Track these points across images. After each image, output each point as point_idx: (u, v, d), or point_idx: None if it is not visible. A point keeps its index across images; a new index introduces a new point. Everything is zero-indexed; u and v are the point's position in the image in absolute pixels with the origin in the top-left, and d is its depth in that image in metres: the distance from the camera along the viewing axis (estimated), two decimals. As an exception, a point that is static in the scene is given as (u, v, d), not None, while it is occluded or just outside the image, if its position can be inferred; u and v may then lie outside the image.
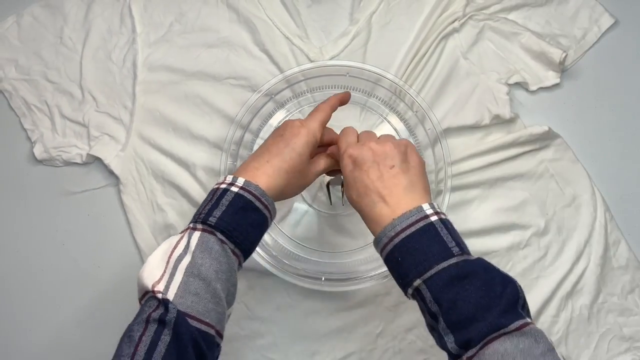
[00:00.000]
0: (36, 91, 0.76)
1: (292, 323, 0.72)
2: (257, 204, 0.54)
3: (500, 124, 0.76)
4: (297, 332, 0.72)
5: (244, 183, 0.54)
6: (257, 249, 0.64)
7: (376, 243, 0.52)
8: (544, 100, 0.78)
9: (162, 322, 0.46)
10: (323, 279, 0.67)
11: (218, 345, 0.50)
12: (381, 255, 0.52)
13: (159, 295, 0.47)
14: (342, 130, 0.60)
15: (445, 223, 0.50)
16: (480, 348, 0.43)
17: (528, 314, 0.47)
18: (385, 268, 0.54)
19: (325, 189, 0.71)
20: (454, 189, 0.71)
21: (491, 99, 0.76)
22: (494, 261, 0.70)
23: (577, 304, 0.72)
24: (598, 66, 0.79)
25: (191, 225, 0.53)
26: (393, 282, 0.52)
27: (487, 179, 0.74)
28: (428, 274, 0.48)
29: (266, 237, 0.70)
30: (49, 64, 0.77)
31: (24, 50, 0.77)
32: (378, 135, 0.58)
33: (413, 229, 0.49)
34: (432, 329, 0.49)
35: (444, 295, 0.46)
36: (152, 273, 0.49)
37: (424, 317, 0.50)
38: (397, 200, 0.51)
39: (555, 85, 0.78)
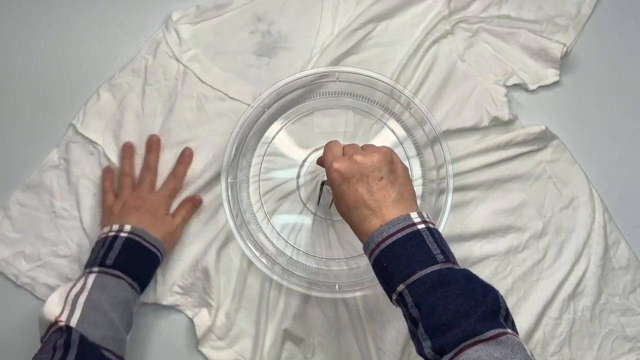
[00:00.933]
0: (54, 272, 0.73)
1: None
2: (146, 244, 0.64)
3: (499, 125, 0.76)
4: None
5: (131, 229, 0.64)
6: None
7: (365, 249, 0.53)
8: (543, 101, 0.78)
9: (67, 344, 0.52)
10: (337, 287, 0.67)
11: None
12: (370, 261, 0.53)
13: (62, 324, 0.53)
14: (327, 144, 0.59)
15: (432, 231, 0.51)
16: (455, 355, 0.43)
17: (512, 326, 0.47)
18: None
19: (319, 188, 0.71)
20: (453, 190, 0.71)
21: (489, 100, 0.76)
22: (493, 265, 0.73)
23: (579, 305, 0.72)
24: (597, 63, 0.79)
25: (87, 270, 0.61)
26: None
27: (484, 180, 0.74)
28: (411, 280, 0.48)
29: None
30: (54, 241, 0.74)
31: (25, 240, 0.74)
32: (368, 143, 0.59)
33: (399, 235, 0.50)
34: (413, 335, 0.49)
35: (424, 300, 0.47)
36: (52, 309, 0.55)
37: (407, 323, 0.50)
38: (386, 212, 0.52)
39: (555, 84, 0.78)
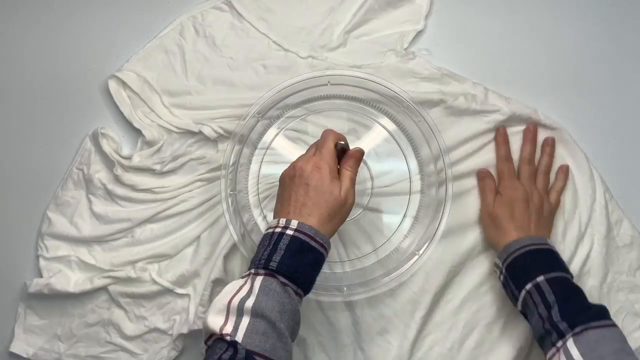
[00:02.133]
0: (93, 341, 0.74)
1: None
2: (313, 244, 0.57)
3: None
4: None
5: (298, 225, 0.57)
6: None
7: (508, 247, 0.66)
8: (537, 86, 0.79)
9: None
10: (345, 289, 0.68)
11: None
12: (507, 258, 0.65)
13: (228, 338, 0.50)
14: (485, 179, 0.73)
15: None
16: (585, 329, 0.56)
17: None
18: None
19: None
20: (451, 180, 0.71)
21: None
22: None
23: (587, 286, 0.72)
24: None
25: (252, 270, 0.56)
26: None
27: (482, 165, 0.75)
28: (552, 275, 0.62)
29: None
30: (82, 312, 0.75)
31: (53, 322, 0.75)
32: None
33: (544, 246, 0.66)
34: (540, 318, 0.60)
35: (561, 291, 0.61)
36: (218, 318, 0.52)
37: (537, 310, 0.61)
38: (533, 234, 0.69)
39: (545, 70, 0.79)
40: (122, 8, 0.81)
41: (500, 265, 0.66)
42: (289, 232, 0.56)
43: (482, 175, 0.73)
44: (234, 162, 0.72)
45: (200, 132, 0.75)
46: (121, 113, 0.77)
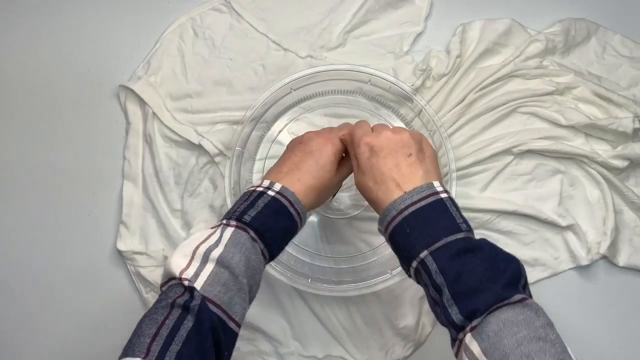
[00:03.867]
0: None
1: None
2: (291, 209, 0.56)
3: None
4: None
5: (281, 189, 0.56)
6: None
7: (383, 217, 0.52)
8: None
9: (186, 308, 0.46)
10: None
11: (236, 335, 0.50)
12: (386, 230, 0.52)
13: (186, 283, 0.48)
14: (356, 123, 0.60)
15: (453, 201, 0.52)
16: (484, 317, 0.44)
17: (529, 295, 0.47)
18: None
19: None
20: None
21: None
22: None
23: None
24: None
25: (224, 221, 0.54)
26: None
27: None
28: (435, 246, 0.48)
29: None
30: None
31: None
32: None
33: (423, 202, 0.51)
34: (435, 303, 0.49)
35: (450, 266, 0.47)
36: (181, 261, 0.49)
37: (427, 292, 0.50)
38: (412, 186, 0.52)
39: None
40: (122, 8, 0.81)
41: (384, 235, 0.55)
42: (270, 192, 0.56)
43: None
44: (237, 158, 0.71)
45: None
46: (120, 113, 0.77)
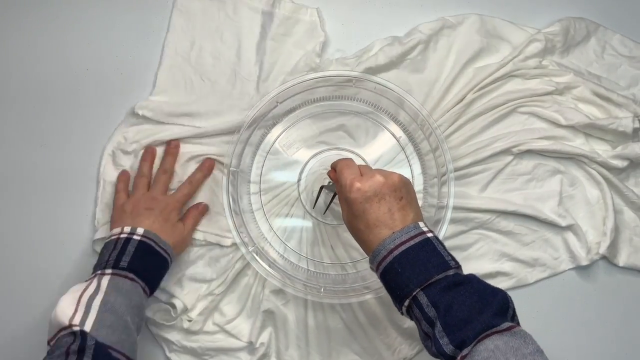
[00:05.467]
0: None
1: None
2: (157, 248, 0.64)
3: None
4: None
5: (144, 232, 0.63)
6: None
7: (373, 257, 0.54)
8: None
9: (81, 350, 0.50)
10: (322, 290, 0.67)
11: None
12: (377, 268, 0.54)
13: (76, 329, 0.52)
14: (341, 162, 0.60)
15: (439, 240, 0.54)
16: (474, 346, 0.46)
17: (518, 324, 0.50)
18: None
19: (317, 191, 0.70)
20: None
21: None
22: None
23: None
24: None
25: (99, 272, 0.60)
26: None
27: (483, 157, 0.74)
28: (427, 284, 0.51)
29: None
30: None
31: None
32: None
33: (412, 242, 0.53)
34: (427, 337, 0.51)
35: (440, 299, 0.50)
36: (65, 311, 0.54)
37: (420, 327, 0.52)
38: (400, 227, 0.54)
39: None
40: (122, 8, 0.81)
41: (375, 272, 0.57)
42: (136, 237, 0.63)
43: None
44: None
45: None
46: (120, 113, 0.77)
